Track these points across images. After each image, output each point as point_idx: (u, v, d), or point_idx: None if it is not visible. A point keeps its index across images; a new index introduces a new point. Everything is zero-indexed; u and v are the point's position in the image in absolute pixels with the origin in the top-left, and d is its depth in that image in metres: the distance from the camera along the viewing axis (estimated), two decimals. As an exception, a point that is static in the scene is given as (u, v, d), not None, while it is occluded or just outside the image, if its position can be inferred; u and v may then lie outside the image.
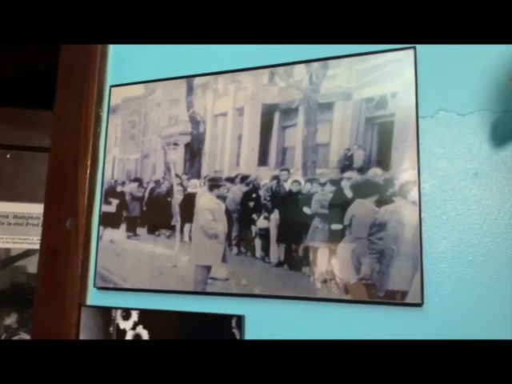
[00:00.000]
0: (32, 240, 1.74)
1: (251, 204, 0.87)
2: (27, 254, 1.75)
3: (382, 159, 0.80)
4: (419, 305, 0.75)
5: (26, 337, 1.69)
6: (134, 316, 0.90)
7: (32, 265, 1.70)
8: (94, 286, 0.96)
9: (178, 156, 0.94)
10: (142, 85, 1.00)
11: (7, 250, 1.77)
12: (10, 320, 1.71)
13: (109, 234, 0.96)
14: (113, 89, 1.03)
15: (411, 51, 0.81)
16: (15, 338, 1.71)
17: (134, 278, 0.92)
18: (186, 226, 0.91)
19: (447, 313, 0.74)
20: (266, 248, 0.85)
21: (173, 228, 0.92)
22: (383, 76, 0.82)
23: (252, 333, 0.84)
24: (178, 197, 0.93)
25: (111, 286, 0.94)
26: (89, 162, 1.00)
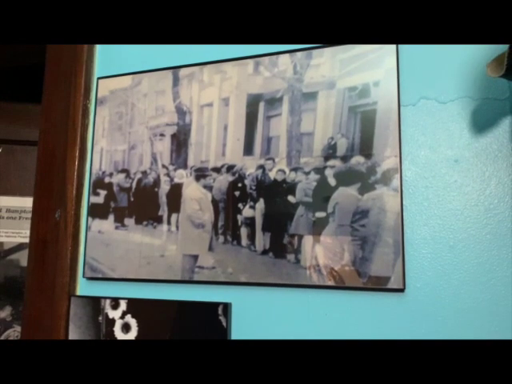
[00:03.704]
0: (25, 234, 1.75)
1: (237, 193, 0.88)
2: (20, 247, 1.76)
3: (365, 147, 0.81)
4: (401, 290, 0.76)
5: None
6: (123, 305, 0.91)
7: (25, 258, 1.69)
8: (83, 276, 0.96)
9: (164, 147, 0.95)
10: (129, 76, 1.00)
11: (0, 244, 1.78)
12: (5, 313, 1.73)
13: (97, 224, 0.97)
14: (100, 81, 1.03)
15: (393, 40, 0.81)
16: (9, 330, 1.72)
17: (122, 268, 0.93)
18: (173, 216, 0.92)
19: (429, 298, 0.75)
20: (251, 236, 0.86)
21: (160, 218, 0.93)
22: (366, 65, 0.82)
23: (238, 320, 0.85)
24: (164, 187, 0.93)
25: (100, 275, 0.95)
26: (77, 154, 1.01)
